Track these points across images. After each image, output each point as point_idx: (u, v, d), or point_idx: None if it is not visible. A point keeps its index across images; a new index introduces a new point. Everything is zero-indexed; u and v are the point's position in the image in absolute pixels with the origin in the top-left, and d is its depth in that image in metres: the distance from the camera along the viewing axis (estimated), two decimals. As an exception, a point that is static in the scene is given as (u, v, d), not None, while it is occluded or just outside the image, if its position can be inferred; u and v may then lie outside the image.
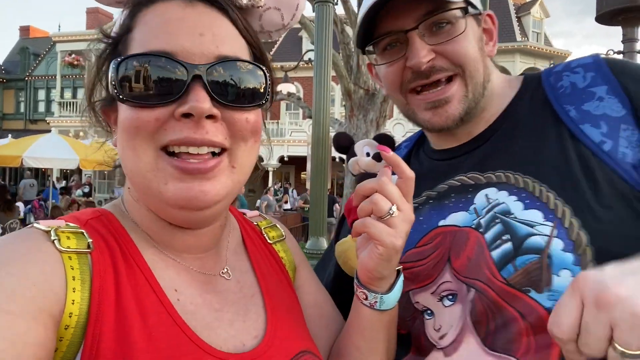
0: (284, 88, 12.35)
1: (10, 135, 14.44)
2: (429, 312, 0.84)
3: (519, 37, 20.62)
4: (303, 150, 12.02)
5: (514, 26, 20.96)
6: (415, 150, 1.09)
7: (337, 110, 18.61)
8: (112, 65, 0.59)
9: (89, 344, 0.53)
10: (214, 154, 0.61)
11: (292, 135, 19.74)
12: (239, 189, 0.67)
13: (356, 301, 0.76)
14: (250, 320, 0.70)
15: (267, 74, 0.65)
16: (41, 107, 27.22)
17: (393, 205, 0.67)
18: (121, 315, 0.56)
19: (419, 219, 0.89)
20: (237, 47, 0.64)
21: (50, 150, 9.94)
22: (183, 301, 0.63)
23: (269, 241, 0.85)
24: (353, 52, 7.34)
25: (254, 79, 0.63)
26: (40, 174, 20.99)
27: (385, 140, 0.91)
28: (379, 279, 0.72)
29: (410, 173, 0.71)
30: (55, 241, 0.57)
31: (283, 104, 22.77)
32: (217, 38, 0.61)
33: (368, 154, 0.92)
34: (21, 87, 27.51)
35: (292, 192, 18.42)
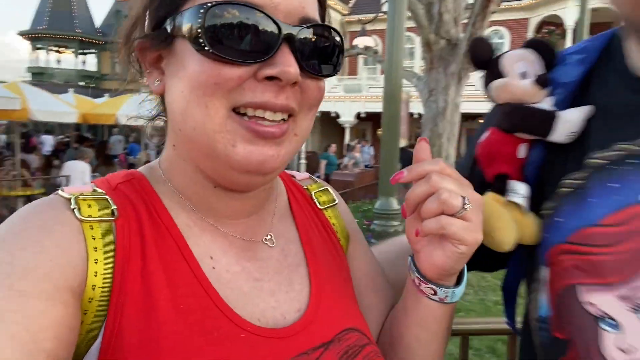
0: (361, 42, 11.99)
1: (107, 94, 15.61)
2: (611, 322, 0.61)
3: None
4: (380, 107, 11.72)
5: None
6: (600, 70, 0.71)
7: (417, 64, 17.82)
8: (193, 11, 0.53)
9: (112, 315, 0.51)
10: (283, 120, 0.58)
11: (370, 91, 19.30)
12: (293, 157, 0.63)
13: (418, 294, 0.67)
14: (294, 291, 0.65)
15: (342, 43, 0.62)
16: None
17: (465, 198, 0.58)
18: (147, 285, 0.53)
19: (607, 186, 0.63)
20: (316, 9, 0.60)
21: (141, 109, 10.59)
22: (218, 269, 0.60)
23: (319, 206, 0.79)
24: (435, 0, 6.86)
25: (333, 48, 0.60)
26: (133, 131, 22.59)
27: (545, 49, 0.68)
28: (451, 275, 0.65)
29: (433, 167, 0.62)
30: (75, 210, 0.54)
31: (360, 59, 22.25)
32: None
33: (524, 75, 0.67)
34: (117, 48, 29.30)
35: (369, 148, 18.25)
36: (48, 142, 17.08)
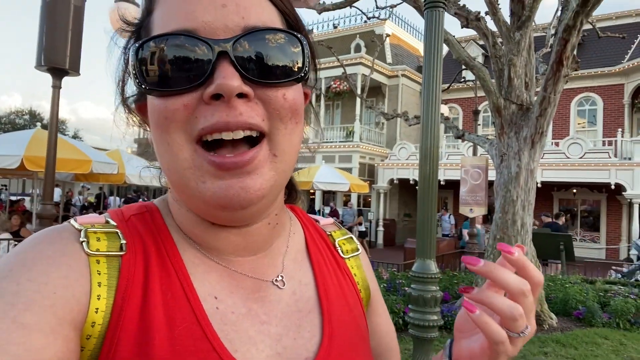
0: (434, 109, 12.04)
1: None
2: None
3: None
4: (460, 174, 11.41)
5: None
6: None
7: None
8: (130, 53, 0.54)
9: (106, 352, 0.49)
10: (251, 143, 0.54)
11: (450, 159, 18.99)
12: (285, 180, 0.58)
13: None
14: (302, 338, 0.61)
15: (304, 43, 0.56)
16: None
17: (528, 325, 0.53)
18: (145, 323, 0.51)
19: None
20: (267, 15, 0.55)
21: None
22: (223, 310, 0.57)
23: (342, 255, 0.74)
24: (505, 66, 6.79)
25: (289, 50, 0.55)
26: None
27: None
28: None
29: (540, 279, 0.54)
30: (83, 243, 0.53)
31: (442, 126, 22.19)
32: (241, 7, 0.53)
33: None
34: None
35: (450, 217, 17.60)
36: (113, 202, 18.91)
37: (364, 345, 0.66)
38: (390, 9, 10.30)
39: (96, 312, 0.50)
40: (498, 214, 6.57)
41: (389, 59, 22.51)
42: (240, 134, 0.52)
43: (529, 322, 0.53)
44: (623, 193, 15.80)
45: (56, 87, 4.92)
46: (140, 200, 19.19)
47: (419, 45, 27.93)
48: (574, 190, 18.78)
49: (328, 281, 0.68)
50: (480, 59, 19.27)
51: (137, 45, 0.52)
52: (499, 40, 7.03)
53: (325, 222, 0.80)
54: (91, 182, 10.86)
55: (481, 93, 14.81)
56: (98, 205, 17.57)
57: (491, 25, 7.10)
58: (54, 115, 4.92)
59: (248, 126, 0.52)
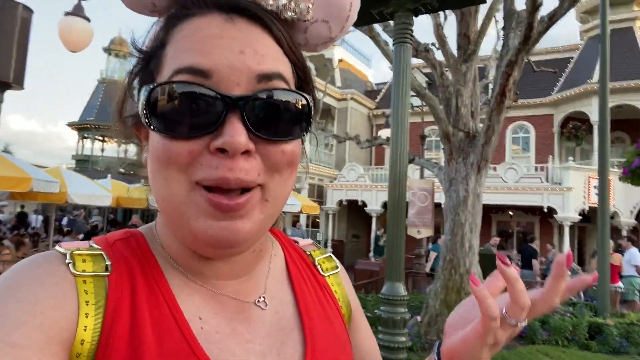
0: (383, 133, 12.43)
1: (143, 180, 16.29)
2: None
3: (650, 74, 18.55)
4: (408, 196, 11.70)
5: (645, 62, 18.95)
6: None
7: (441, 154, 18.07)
8: (142, 92, 0.55)
9: None
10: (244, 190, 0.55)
11: (396, 181, 19.50)
12: (272, 221, 0.61)
13: None
14: (285, 355, 0.63)
15: (310, 102, 0.58)
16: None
17: (520, 322, 0.58)
18: (134, 341, 0.52)
19: None
20: (280, 66, 0.57)
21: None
22: (207, 330, 0.58)
23: (321, 273, 0.76)
24: (452, 95, 7.18)
25: (296, 109, 0.57)
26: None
27: None
28: None
29: (525, 302, 0.58)
30: (69, 265, 0.54)
31: (387, 150, 22.83)
32: (258, 55, 0.55)
33: None
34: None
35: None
36: (36, 221, 18.00)
37: (345, 358, 0.69)
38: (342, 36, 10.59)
39: (85, 329, 0.51)
40: (448, 236, 6.84)
41: (338, 82, 23.03)
42: (237, 191, 0.54)
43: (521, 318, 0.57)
44: (554, 215, 16.91)
45: (-1, 102, 4.64)
46: (65, 219, 18.35)
47: (366, 71, 28.76)
48: (511, 213, 19.86)
49: (308, 299, 0.70)
50: (424, 86, 20.16)
51: (151, 86, 0.54)
52: (446, 70, 7.44)
53: (304, 242, 0.82)
54: (27, 200, 10.20)
55: (427, 119, 15.48)
56: (21, 224, 16.47)
57: (439, 56, 7.52)
58: (-5, 131, 4.62)
59: (245, 184, 0.54)
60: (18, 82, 4.69)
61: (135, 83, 0.62)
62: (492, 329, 0.56)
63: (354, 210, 21.60)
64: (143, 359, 0.51)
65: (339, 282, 0.78)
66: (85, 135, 28.69)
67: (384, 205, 19.79)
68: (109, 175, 14.35)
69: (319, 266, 0.77)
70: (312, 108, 0.59)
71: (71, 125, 28.54)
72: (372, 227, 19.95)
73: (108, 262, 0.57)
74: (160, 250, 0.63)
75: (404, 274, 2.80)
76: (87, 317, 0.51)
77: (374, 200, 20.15)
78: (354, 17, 0.70)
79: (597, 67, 13.68)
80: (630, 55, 19.09)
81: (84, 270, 0.54)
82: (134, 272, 0.58)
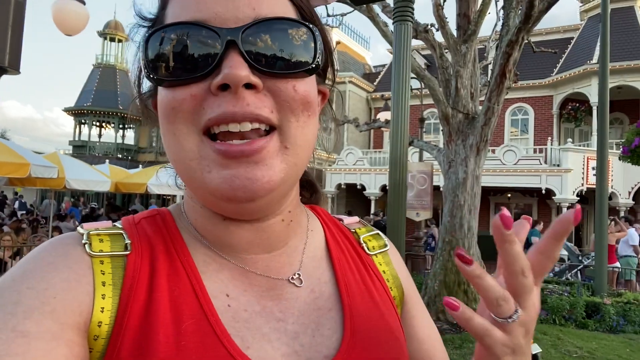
0: (383, 116, 12.39)
1: (141, 165, 16.34)
2: None
3: (651, 54, 18.45)
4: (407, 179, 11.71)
5: (645, 42, 18.83)
6: None
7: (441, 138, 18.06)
8: (140, 44, 0.53)
9: (111, 350, 0.49)
10: (262, 134, 0.52)
11: (395, 164, 19.50)
12: (297, 173, 0.56)
13: None
14: (322, 336, 0.58)
15: (316, 33, 0.54)
16: (169, 141, 30.37)
17: (518, 309, 0.47)
18: (150, 319, 0.50)
19: None
20: (279, 7, 0.54)
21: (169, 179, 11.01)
22: (235, 307, 0.55)
23: (367, 252, 0.71)
24: (452, 76, 7.14)
25: (300, 40, 0.53)
26: (163, 200, 23.25)
27: None
28: None
29: (555, 256, 0.48)
30: (85, 245, 0.53)
31: (386, 133, 22.77)
32: (254, 1, 0.52)
33: None
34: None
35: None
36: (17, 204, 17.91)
37: (394, 343, 0.62)
38: (340, 17, 10.48)
39: (102, 311, 0.49)
40: (447, 218, 6.87)
41: (336, 65, 22.79)
42: (247, 126, 0.50)
43: (525, 304, 0.47)
44: (552, 197, 16.96)
45: (-4, 86, 4.61)
46: (46, 201, 18.29)
47: (364, 53, 28.50)
48: (509, 195, 19.90)
49: (350, 278, 0.65)
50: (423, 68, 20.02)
51: (146, 35, 0.52)
52: (446, 51, 7.38)
53: (350, 220, 0.77)
54: (27, 186, 10.20)
55: (426, 101, 15.41)
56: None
57: (438, 37, 7.45)
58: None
59: (255, 117, 0.50)
60: (14, 67, 4.65)
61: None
62: (492, 343, 0.47)
63: (352, 194, 21.64)
64: (157, 337, 0.49)
65: (388, 261, 0.72)
66: (82, 120, 28.52)
67: (383, 188, 19.86)
68: (107, 161, 14.33)
69: (364, 244, 0.72)
70: (321, 42, 0.55)
71: (67, 110, 28.36)
72: (371, 210, 20.01)
73: (128, 241, 0.55)
74: (186, 226, 0.60)
75: (404, 256, 2.81)
76: (103, 298, 0.50)
77: (373, 184, 20.16)
78: None
79: (597, 48, 13.56)
80: (631, 35, 18.94)
81: (101, 250, 0.53)
82: (156, 250, 0.56)
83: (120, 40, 28.26)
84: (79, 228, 0.56)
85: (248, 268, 0.59)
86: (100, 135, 29.85)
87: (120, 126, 29.32)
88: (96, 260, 0.52)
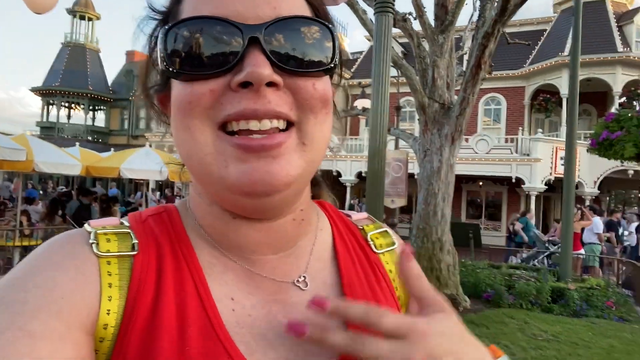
0: (360, 103, 12.43)
1: (113, 149, 15.97)
2: None
3: (620, 48, 18.99)
4: (379, 166, 11.80)
5: (614, 36, 19.36)
6: None
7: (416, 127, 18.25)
8: (159, 36, 0.52)
9: (117, 352, 0.48)
10: (280, 130, 0.52)
11: (371, 152, 19.64)
12: (313, 170, 0.56)
13: None
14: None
15: (334, 33, 0.54)
16: (142, 124, 29.83)
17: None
18: (155, 323, 0.50)
19: None
20: (297, 6, 0.54)
21: (144, 163, 10.81)
22: (239, 312, 0.55)
23: (375, 250, 0.69)
24: (428, 66, 7.21)
25: (320, 40, 0.53)
26: (135, 185, 22.84)
27: None
28: None
29: (416, 284, 0.52)
30: (93, 245, 0.52)
31: (362, 120, 22.86)
32: (274, 1, 0.52)
33: None
34: (125, 106, 30.27)
35: (363, 206, 18.26)
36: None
37: None
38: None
39: (108, 313, 0.49)
40: (421, 206, 7.00)
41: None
42: (267, 124, 0.50)
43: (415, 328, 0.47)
44: (522, 186, 17.44)
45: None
46: (1, 182, 17.94)
47: (341, 40, 28.34)
48: (480, 183, 20.36)
49: (355, 281, 0.64)
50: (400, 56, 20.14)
51: (167, 27, 0.51)
52: (423, 40, 7.44)
53: (358, 216, 0.76)
54: (-8, 169, 9.86)
55: (402, 90, 15.49)
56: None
57: (416, 26, 7.49)
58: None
59: (276, 115, 0.50)
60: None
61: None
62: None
63: (328, 180, 21.69)
64: (161, 342, 0.49)
65: (395, 260, 0.70)
66: (51, 101, 27.60)
67: (358, 175, 19.99)
68: (77, 144, 13.96)
69: (371, 242, 0.70)
70: (338, 42, 0.55)
71: (35, 90, 27.35)
72: (347, 197, 20.15)
73: (135, 241, 0.54)
74: (193, 224, 0.59)
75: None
76: (109, 300, 0.49)
77: (349, 171, 20.27)
78: None
79: (569, 40, 13.89)
80: (601, 29, 19.44)
81: (108, 251, 0.52)
82: (163, 251, 0.55)
83: (90, 19, 27.30)
84: (85, 225, 0.55)
85: (254, 270, 0.58)
86: (69, 117, 28.97)
87: (91, 108, 28.50)
88: (103, 260, 0.51)
